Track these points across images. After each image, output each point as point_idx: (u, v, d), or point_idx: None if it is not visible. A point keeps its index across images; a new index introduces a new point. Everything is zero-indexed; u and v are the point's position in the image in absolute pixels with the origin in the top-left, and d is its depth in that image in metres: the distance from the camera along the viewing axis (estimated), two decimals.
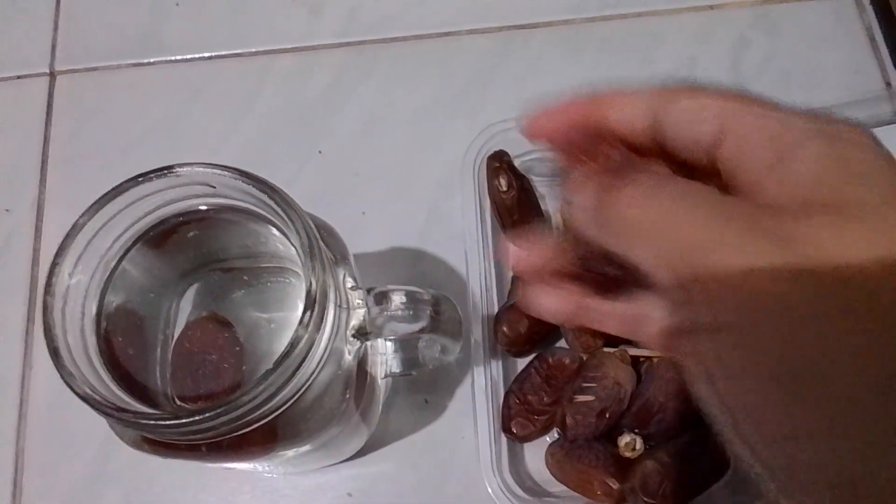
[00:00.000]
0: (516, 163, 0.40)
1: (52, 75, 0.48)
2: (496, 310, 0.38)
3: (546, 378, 0.37)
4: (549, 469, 0.36)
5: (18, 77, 0.48)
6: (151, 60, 0.48)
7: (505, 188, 0.38)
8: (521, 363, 0.38)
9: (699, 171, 0.19)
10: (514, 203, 0.39)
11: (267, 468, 0.37)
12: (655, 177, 0.18)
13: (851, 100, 0.42)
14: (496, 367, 0.38)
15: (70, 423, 0.40)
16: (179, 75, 0.47)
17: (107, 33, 0.48)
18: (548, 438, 0.37)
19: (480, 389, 0.35)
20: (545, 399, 0.37)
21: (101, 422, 0.39)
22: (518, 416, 0.36)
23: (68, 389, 0.22)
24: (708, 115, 0.18)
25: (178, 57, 0.48)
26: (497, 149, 0.39)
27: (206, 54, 0.48)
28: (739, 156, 0.17)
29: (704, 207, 0.16)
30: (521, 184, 0.39)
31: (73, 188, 0.45)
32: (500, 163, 0.39)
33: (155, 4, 0.49)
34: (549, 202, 0.42)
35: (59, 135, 0.46)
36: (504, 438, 0.37)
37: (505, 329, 0.36)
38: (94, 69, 0.47)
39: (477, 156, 0.39)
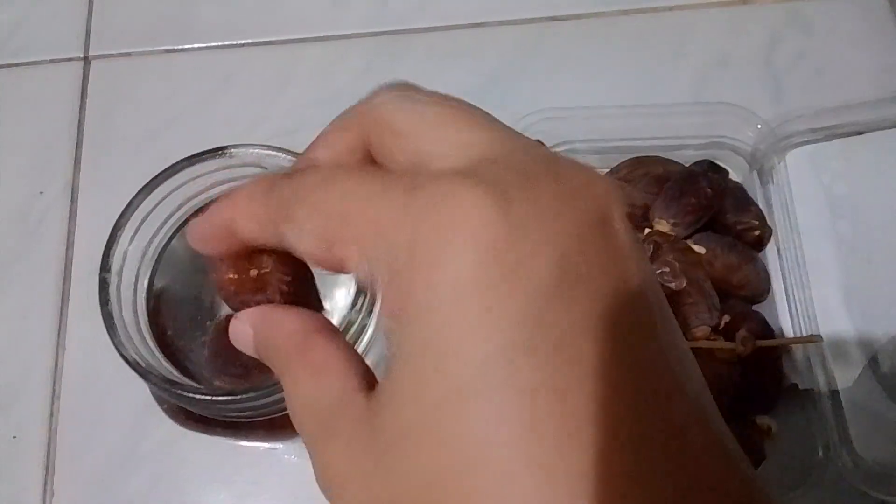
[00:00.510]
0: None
1: (87, 60, 0.48)
2: None
3: None
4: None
5: (52, 61, 0.48)
6: (184, 47, 0.48)
7: None
8: None
9: None
10: None
11: (297, 450, 0.38)
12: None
13: (883, 98, 0.42)
14: None
15: (101, 405, 0.40)
16: (210, 62, 0.47)
17: (140, 19, 0.49)
18: None
19: None
20: None
21: (131, 404, 0.40)
22: None
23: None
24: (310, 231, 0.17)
25: (210, 44, 0.48)
26: (536, 139, 0.40)
27: (237, 42, 0.48)
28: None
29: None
30: None
31: (105, 171, 0.45)
32: None
33: None
34: None
35: (93, 119, 0.46)
36: None
37: None
38: (128, 54, 0.48)
39: None
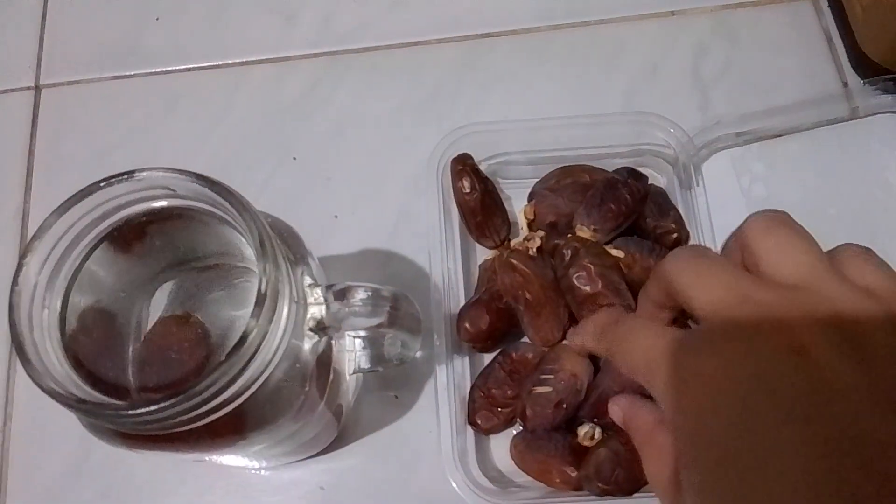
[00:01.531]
0: (482, 166, 0.42)
1: (38, 89, 0.49)
2: (460, 307, 0.39)
3: (509, 372, 0.38)
4: (512, 459, 0.38)
5: (4, 91, 0.49)
6: (132, 73, 0.49)
7: (468, 190, 0.40)
8: (488, 358, 0.40)
9: None
10: (477, 205, 0.40)
11: (242, 461, 0.38)
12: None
13: (802, 100, 0.43)
14: (462, 362, 0.39)
15: (51, 423, 0.41)
16: (159, 86, 0.49)
17: (90, 47, 0.50)
18: (513, 430, 0.39)
19: (442, 385, 0.37)
20: (508, 392, 0.38)
21: (78, 422, 0.41)
22: (482, 409, 0.38)
23: (43, 391, 0.24)
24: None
25: (158, 69, 0.49)
26: (461, 152, 0.41)
27: (185, 66, 0.49)
28: None
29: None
30: (484, 186, 0.40)
31: (56, 197, 0.45)
32: (463, 165, 0.40)
33: (136, 19, 0.51)
34: (515, 204, 0.43)
35: (44, 145, 0.48)
36: (470, 431, 0.38)
37: (467, 325, 0.38)
38: (77, 82, 0.49)
39: (441, 159, 0.41)
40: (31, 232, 0.45)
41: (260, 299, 0.25)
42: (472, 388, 0.38)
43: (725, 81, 0.47)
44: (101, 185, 0.25)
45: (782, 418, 0.19)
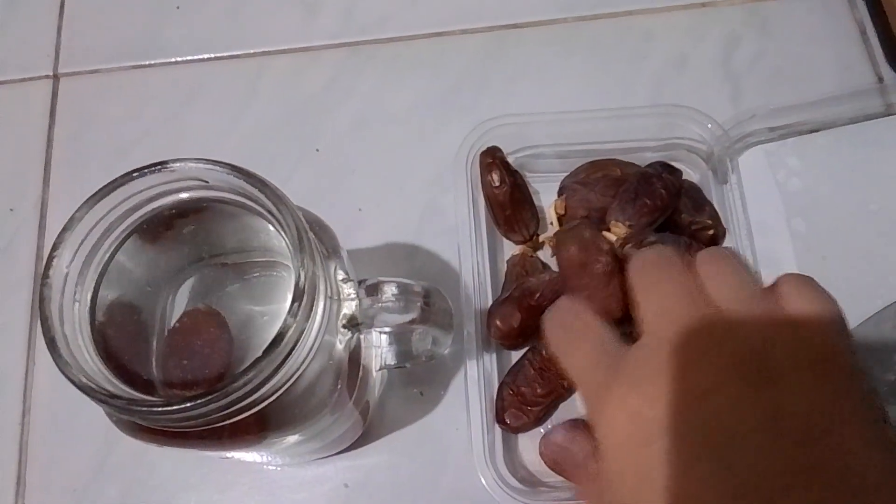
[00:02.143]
0: (510, 159, 0.41)
1: (56, 78, 0.49)
2: (489, 303, 0.38)
3: (539, 370, 0.37)
4: (542, 459, 0.37)
5: (23, 80, 0.49)
6: (152, 62, 0.49)
7: (497, 183, 0.39)
8: (516, 355, 0.39)
9: None
10: (506, 198, 0.39)
11: (265, 458, 0.38)
12: None
13: (838, 94, 0.42)
14: (490, 359, 0.38)
15: (72, 417, 0.41)
16: (179, 77, 0.48)
17: (109, 36, 0.49)
18: (542, 429, 0.38)
19: (473, 381, 0.36)
20: (538, 390, 0.37)
21: (102, 415, 0.40)
22: (511, 408, 0.37)
23: (69, 383, 0.23)
24: None
25: (178, 59, 0.49)
26: (490, 145, 0.40)
27: (205, 56, 0.48)
28: None
29: None
30: (513, 179, 0.39)
31: (75, 187, 0.46)
32: (492, 158, 0.39)
33: (156, 8, 0.50)
34: (543, 198, 0.42)
35: (62, 136, 0.47)
36: (498, 429, 0.37)
37: (498, 322, 0.37)
38: (97, 71, 0.48)
39: (470, 152, 0.40)
40: (50, 223, 0.45)
41: (297, 295, 0.24)
42: (500, 385, 0.38)
43: (756, 73, 0.46)
44: (134, 175, 0.25)
45: (686, 464, 0.20)
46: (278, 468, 0.40)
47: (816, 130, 0.41)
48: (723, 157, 0.38)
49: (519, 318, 0.37)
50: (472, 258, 0.38)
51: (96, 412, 0.40)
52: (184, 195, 0.26)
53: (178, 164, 0.25)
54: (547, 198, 0.42)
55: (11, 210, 0.45)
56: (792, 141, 0.40)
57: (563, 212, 0.40)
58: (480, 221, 0.40)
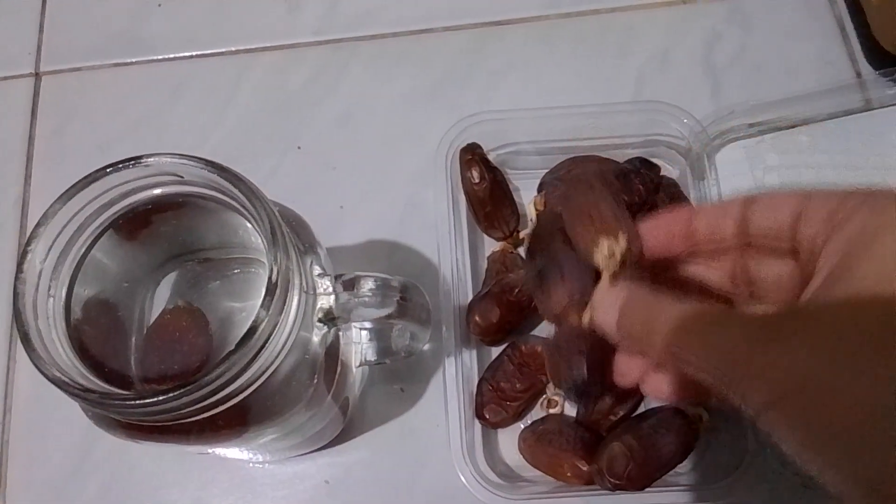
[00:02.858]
0: (490, 156, 0.41)
1: (38, 76, 0.48)
2: (469, 299, 0.39)
3: (519, 365, 0.38)
4: (521, 454, 0.37)
5: (4, 78, 0.48)
6: (134, 60, 0.49)
7: (477, 180, 0.39)
8: (496, 351, 0.39)
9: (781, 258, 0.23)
10: (486, 195, 0.39)
11: (246, 454, 0.38)
12: None
13: (816, 90, 0.43)
14: (470, 355, 0.38)
15: (53, 415, 0.41)
16: (161, 74, 0.48)
17: (91, 34, 0.49)
18: (521, 424, 0.38)
19: (451, 378, 0.36)
20: (518, 386, 0.37)
21: (82, 413, 0.40)
22: (491, 403, 0.37)
23: (49, 384, 0.23)
24: (783, 201, 0.22)
25: (161, 56, 0.48)
26: (470, 141, 0.40)
27: (188, 53, 0.48)
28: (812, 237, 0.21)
29: None
30: (493, 176, 0.40)
31: (57, 185, 0.44)
32: (472, 155, 0.39)
33: (138, 5, 0.50)
34: (523, 194, 0.43)
35: (44, 133, 0.47)
36: (478, 425, 0.38)
37: (477, 318, 0.37)
38: (78, 69, 0.48)
39: (450, 148, 0.40)
40: (30, 221, 0.45)
41: (270, 289, 0.24)
42: (480, 381, 0.38)
43: (737, 69, 0.46)
44: (108, 170, 0.25)
45: None
46: (260, 465, 0.40)
47: (795, 126, 0.41)
48: (701, 153, 0.38)
49: (498, 313, 0.37)
50: (452, 255, 0.38)
51: (77, 410, 0.40)
52: (158, 191, 0.26)
53: (152, 160, 0.25)
54: (527, 194, 0.42)
55: None
56: (770, 137, 0.41)
57: (542, 208, 0.40)
58: (461, 218, 0.40)
